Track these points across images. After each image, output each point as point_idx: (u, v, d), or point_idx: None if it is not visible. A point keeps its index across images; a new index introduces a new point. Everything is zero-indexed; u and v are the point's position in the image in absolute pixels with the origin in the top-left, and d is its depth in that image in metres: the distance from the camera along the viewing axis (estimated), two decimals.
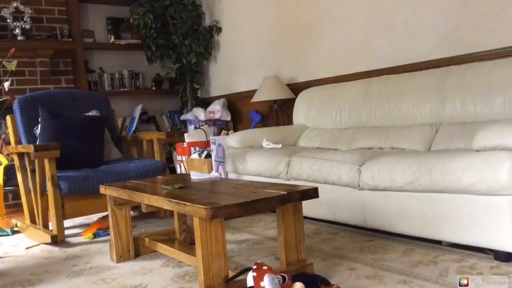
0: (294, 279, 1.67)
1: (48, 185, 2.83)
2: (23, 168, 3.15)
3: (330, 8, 3.68)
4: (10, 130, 3.29)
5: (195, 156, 3.97)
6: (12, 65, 3.64)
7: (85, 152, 3.18)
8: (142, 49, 4.94)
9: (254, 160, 3.19)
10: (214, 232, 1.67)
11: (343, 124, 3.31)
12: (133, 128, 4.84)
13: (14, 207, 3.89)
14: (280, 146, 3.34)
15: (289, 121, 3.94)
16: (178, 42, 4.75)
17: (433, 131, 2.68)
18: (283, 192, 1.79)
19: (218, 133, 4.38)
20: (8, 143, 3.42)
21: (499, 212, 1.90)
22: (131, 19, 4.77)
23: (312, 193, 1.86)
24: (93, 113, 3.50)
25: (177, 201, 1.77)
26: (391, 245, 2.29)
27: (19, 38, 4.16)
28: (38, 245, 2.88)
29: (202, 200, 1.75)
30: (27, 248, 2.82)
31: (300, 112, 3.70)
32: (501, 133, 1.93)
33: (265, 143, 3.40)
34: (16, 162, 3.18)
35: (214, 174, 3.13)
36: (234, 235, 2.72)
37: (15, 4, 4.16)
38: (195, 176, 2.52)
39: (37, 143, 3.11)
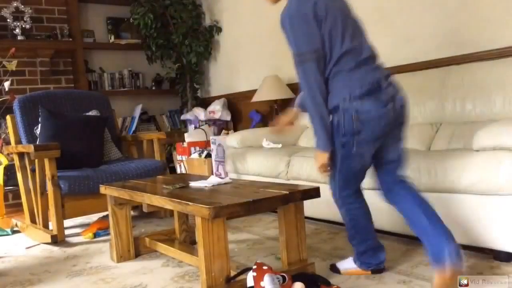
0: (294, 279, 1.68)
1: (48, 185, 2.83)
2: (23, 168, 3.15)
3: None
4: (10, 130, 3.29)
5: (195, 156, 3.97)
6: (12, 65, 3.63)
7: (85, 152, 3.18)
8: (142, 49, 4.93)
9: (254, 160, 3.19)
10: (216, 232, 1.67)
11: None
12: (133, 128, 4.84)
13: (14, 207, 3.88)
14: (280, 146, 3.34)
15: None
16: (178, 42, 4.75)
17: (433, 131, 2.68)
18: (285, 192, 1.79)
19: (218, 133, 4.38)
20: (8, 143, 3.41)
21: (499, 212, 1.91)
22: (131, 19, 4.77)
23: (314, 193, 1.86)
24: (93, 113, 3.50)
25: (179, 200, 1.77)
26: (391, 245, 2.29)
27: (19, 38, 4.15)
28: (38, 245, 2.88)
29: (204, 199, 1.75)
30: (27, 248, 2.82)
31: None
32: (501, 133, 1.93)
33: (265, 143, 3.40)
34: (16, 162, 3.18)
35: (227, 179, 2.68)
36: (234, 235, 2.72)
37: (15, 4, 4.15)
38: (212, 180, 2.21)
39: (37, 143, 3.11)
